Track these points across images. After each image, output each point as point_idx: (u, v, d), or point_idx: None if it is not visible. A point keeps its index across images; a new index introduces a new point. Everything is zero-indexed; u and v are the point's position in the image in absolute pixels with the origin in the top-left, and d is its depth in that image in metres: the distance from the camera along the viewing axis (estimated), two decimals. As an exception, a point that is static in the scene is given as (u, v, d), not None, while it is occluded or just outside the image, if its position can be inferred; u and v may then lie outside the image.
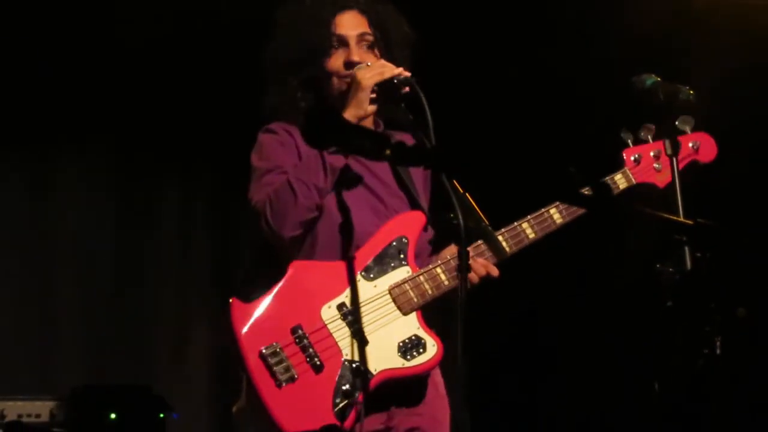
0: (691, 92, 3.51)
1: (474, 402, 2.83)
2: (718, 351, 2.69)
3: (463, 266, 2.81)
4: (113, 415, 4.83)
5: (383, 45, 3.64)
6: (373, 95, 3.47)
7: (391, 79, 3.45)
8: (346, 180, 3.50)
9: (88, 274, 5.98)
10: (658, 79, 3.48)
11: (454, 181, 2.99)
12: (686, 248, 2.93)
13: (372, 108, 3.47)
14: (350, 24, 3.62)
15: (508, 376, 6.00)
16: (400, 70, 3.48)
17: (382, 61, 3.55)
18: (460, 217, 2.92)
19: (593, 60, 5.55)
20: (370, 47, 3.62)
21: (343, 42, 3.60)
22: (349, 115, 3.43)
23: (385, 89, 3.46)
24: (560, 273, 5.74)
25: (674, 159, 3.43)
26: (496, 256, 3.46)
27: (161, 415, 4.92)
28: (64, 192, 6.04)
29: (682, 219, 3.07)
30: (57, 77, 5.84)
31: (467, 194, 3.00)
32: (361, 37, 3.61)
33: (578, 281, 5.79)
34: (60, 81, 5.85)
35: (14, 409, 4.76)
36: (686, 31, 5.36)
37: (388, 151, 2.44)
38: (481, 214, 3.06)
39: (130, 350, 5.92)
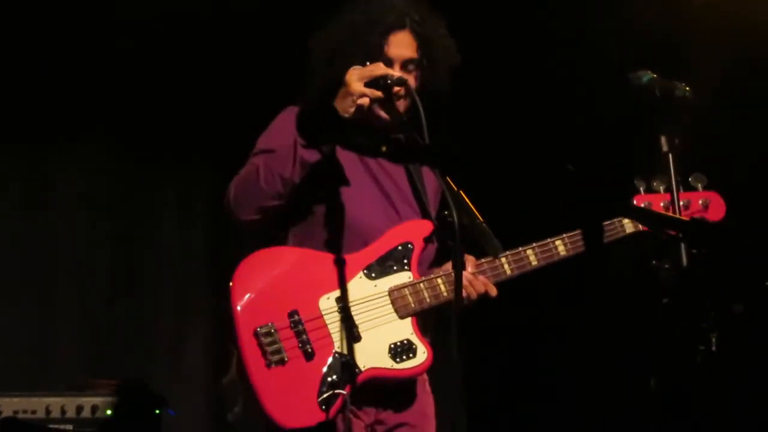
0: (688, 89, 3.51)
1: (470, 398, 2.84)
2: (714, 348, 2.70)
3: (457, 263, 2.82)
4: (109, 411, 4.82)
5: (428, 72, 3.65)
6: (365, 100, 3.48)
7: (385, 78, 3.47)
8: (351, 176, 3.51)
9: (86, 272, 5.97)
10: (655, 75, 3.48)
11: (449, 179, 3.00)
12: (683, 245, 2.93)
13: (353, 111, 3.47)
14: (401, 45, 3.63)
15: (502, 372, 6.00)
16: (392, 71, 3.51)
17: (377, 64, 3.56)
18: (455, 214, 2.94)
19: (590, 57, 5.54)
20: (413, 70, 3.64)
21: (389, 62, 3.61)
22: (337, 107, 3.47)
23: (377, 88, 3.48)
24: (556, 270, 5.73)
25: (670, 156, 3.43)
26: (490, 254, 3.47)
27: (157, 412, 4.91)
28: (63, 189, 6.02)
29: (678, 216, 3.07)
30: (56, 76, 5.82)
31: (462, 192, 3.01)
32: (407, 61, 3.63)
33: (574, 278, 5.78)
34: (58, 80, 5.84)
35: (10, 405, 4.75)
36: (684, 27, 5.35)
37: (384, 148, 2.44)
38: (475, 211, 3.07)
39: (127, 347, 5.91)
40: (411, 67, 3.63)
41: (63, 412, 4.80)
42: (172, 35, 5.87)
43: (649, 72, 3.49)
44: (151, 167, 6.16)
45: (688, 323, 2.70)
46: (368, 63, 3.55)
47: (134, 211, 6.12)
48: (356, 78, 3.46)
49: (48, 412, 4.78)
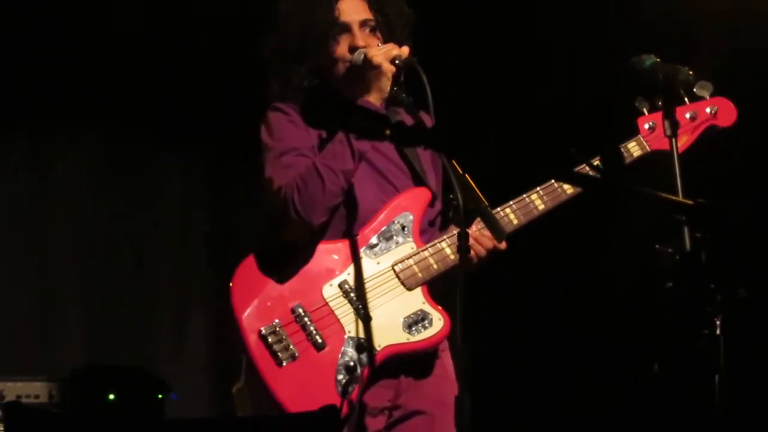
0: (691, 72, 3.50)
1: (475, 383, 2.84)
2: (718, 332, 2.69)
3: (463, 247, 2.81)
4: (112, 396, 4.83)
5: (385, 28, 3.66)
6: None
7: (393, 59, 3.47)
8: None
9: (87, 255, 5.96)
10: (658, 59, 3.46)
11: (454, 162, 3.00)
12: (686, 228, 2.92)
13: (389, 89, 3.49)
14: (351, 10, 3.64)
15: (506, 359, 6.00)
16: (401, 50, 3.50)
17: (390, 44, 3.56)
18: (460, 197, 2.93)
19: (594, 41, 5.54)
20: (373, 31, 3.64)
21: (346, 28, 3.62)
22: (374, 98, 3.47)
23: None
24: (559, 254, 5.73)
25: (673, 140, 3.41)
26: (495, 238, 3.47)
27: (160, 396, 4.91)
28: (63, 172, 6.01)
29: (682, 199, 3.07)
30: (55, 53, 5.80)
31: (467, 175, 3.01)
32: (363, 22, 3.63)
33: (577, 262, 5.78)
34: (59, 57, 5.81)
35: (13, 389, 4.75)
36: (686, 12, 5.34)
37: (388, 131, 2.43)
38: (480, 194, 3.06)
39: (129, 331, 5.91)
40: (368, 28, 3.63)
41: (65, 396, 4.81)
42: (171, 13, 5.84)
43: (652, 56, 3.47)
44: (152, 148, 6.15)
45: (691, 307, 2.69)
46: (331, 39, 3.57)
47: (136, 192, 6.12)
48: (384, 57, 3.46)
49: (51, 396, 4.78)
